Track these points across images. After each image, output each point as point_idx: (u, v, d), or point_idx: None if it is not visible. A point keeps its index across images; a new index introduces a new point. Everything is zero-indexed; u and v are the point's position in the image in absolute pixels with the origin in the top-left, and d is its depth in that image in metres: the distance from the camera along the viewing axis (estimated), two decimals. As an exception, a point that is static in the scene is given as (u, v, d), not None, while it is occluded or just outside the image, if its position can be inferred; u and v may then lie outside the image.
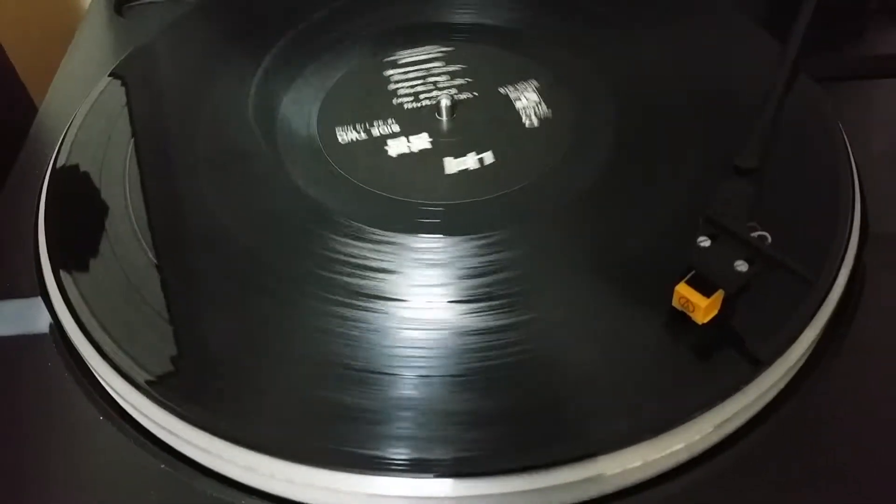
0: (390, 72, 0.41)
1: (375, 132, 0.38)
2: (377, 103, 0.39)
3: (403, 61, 0.42)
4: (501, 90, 0.40)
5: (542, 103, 0.39)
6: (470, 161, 0.36)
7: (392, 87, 0.40)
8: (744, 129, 0.32)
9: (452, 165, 0.36)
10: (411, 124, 0.38)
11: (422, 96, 0.40)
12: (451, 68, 0.41)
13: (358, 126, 0.38)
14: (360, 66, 0.42)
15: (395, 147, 0.37)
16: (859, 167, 0.34)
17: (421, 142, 0.37)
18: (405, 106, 0.39)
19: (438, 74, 0.41)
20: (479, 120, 0.38)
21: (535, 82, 0.40)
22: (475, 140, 0.37)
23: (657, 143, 0.36)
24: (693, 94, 0.38)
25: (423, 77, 0.41)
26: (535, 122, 0.38)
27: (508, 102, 0.39)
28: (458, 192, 0.34)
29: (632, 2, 0.45)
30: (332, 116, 0.39)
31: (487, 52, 0.42)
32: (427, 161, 0.36)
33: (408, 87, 0.40)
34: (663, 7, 0.44)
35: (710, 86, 0.39)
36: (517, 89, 0.40)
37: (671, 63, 0.40)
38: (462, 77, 0.41)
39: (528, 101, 0.39)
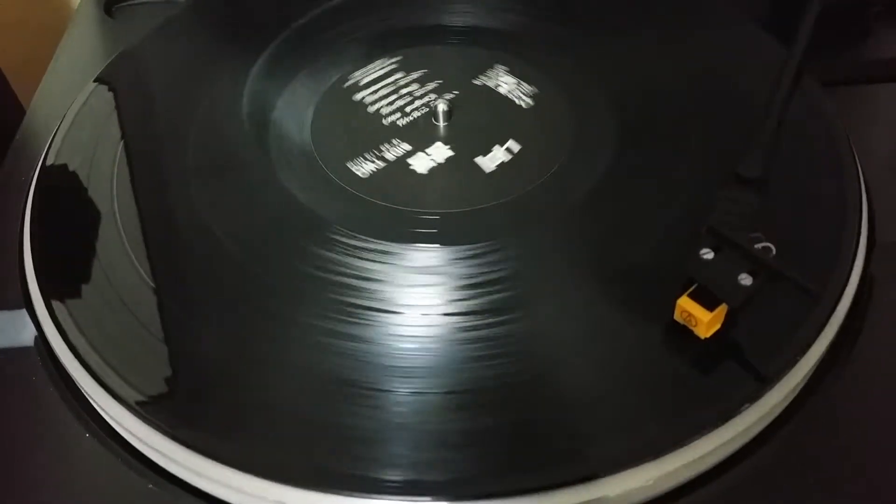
0: (359, 95, 0.39)
1: (389, 156, 0.36)
2: (369, 129, 0.37)
3: (365, 82, 0.40)
4: (476, 82, 0.39)
5: (523, 82, 0.38)
6: (500, 154, 0.35)
7: (371, 108, 0.38)
8: (747, 135, 0.32)
9: (487, 163, 0.35)
10: (417, 138, 0.37)
11: (407, 108, 0.38)
12: (414, 75, 0.40)
13: (368, 155, 0.36)
14: (327, 98, 0.39)
15: (420, 164, 0.36)
16: (865, 174, 0.33)
17: (441, 151, 0.36)
18: (398, 123, 0.38)
19: (406, 84, 0.40)
20: (478, 114, 0.38)
21: (503, 66, 0.39)
22: (489, 133, 0.36)
23: (657, 151, 0.35)
24: (694, 99, 0.37)
25: (395, 90, 0.39)
26: (530, 101, 0.38)
27: (491, 91, 0.39)
28: (508, 189, 0.34)
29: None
30: (333, 154, 0.36)
31: (437, 52, 0.41)
32: (460, 167, 0.35)
33: (387, 105, 0.39)
34: (666, 8, 0.43)
35: (712, 90, 0.38)
36: (490, 77, 0.39)
37: (670, 68, 0.39)
38: (431, 80, 0.40)
39: (509, 85, 0.39)
